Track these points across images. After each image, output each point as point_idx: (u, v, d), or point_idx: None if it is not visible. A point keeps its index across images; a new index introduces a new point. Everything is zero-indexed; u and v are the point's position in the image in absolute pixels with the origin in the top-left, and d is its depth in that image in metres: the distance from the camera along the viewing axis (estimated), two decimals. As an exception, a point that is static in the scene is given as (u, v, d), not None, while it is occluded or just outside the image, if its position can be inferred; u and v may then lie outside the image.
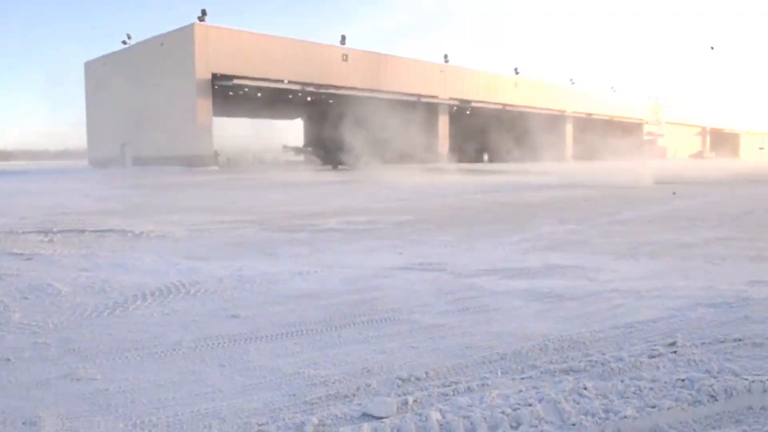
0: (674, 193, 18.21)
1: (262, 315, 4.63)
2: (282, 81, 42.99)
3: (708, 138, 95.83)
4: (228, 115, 52.74)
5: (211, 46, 40.13)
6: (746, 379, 3.22)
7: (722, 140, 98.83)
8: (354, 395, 3.14)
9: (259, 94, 44.50)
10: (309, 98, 47.54)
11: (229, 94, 43.72)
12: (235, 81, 40.49)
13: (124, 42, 46.93)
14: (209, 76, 39.94)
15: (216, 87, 40.72)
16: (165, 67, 42.00)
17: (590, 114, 68.75)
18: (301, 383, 3.30)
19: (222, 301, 5.07)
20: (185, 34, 40.34)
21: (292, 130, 62.67)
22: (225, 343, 3.99)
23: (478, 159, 56.01)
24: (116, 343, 3.96)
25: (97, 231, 9.30)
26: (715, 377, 3.27)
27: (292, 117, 59.60)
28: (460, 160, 49.66)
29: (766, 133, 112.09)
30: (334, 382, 3.31)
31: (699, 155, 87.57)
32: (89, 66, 53.33)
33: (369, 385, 3.25)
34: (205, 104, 40.34)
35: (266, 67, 41.95)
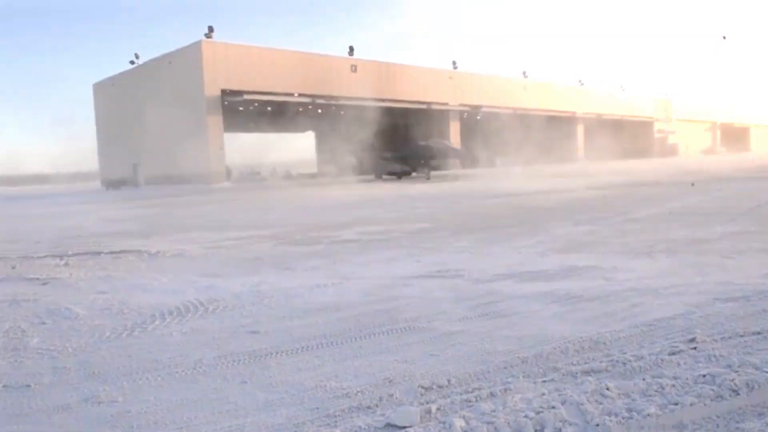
0: (693, 185, 18.45)
1: (282, 330, 4.66)
2: (292, 94, 43.25)
3: (718, 133, 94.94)
4: (238, 131, 53.10)
5: (219, 63, 40.46)
6: (767, 372, 3.20)
7: (733, 134, 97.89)
8: (377, 406, 3.15)
9: (269, 108, 44.81)
10: (319, 110, 47.73)
11: (239, 109, 44.04)
12: (245, 96, 40.78)
13: (132, 62, 47.45)
14: (218, 93, 40.26)
15: (225, 103, 41.03)
16: (174, 85, 42.39)
17: (600, 114, 68.42)
18: (323, 396, 3.32)
19: (241, 317, 5.10)
20: (193, 51, 40.72)
21: (305, 143, 63.02)
22: (246, 359, 4.01)
23: (492, 164, 55.88)
24: (136, 364, 4.00)
25: (113, 252, 9.39)
26: (736, 371, 3.25)
27: (303, 130, 59.85)
28: (473, 166, 49.55)
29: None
30: (356, 394, 3.32)
31: (710, 151, 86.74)
32: (98, 87, 53.93)
33: (391, 395, 3.26)
34: (216, 120, 40.65)
35: (275, 81, 42.20)
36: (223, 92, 40.46)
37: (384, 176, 38.48)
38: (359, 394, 3.32)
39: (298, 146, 63.02)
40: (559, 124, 61.26)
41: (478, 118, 55.10)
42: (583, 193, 18.56)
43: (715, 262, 6.61)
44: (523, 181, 26.85)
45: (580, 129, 66.63)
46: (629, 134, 71.93)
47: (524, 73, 62.34)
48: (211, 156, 40.37)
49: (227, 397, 3.38)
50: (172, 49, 43.52)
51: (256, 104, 43.45)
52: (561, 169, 37.68)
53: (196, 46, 40.47)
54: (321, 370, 3.73)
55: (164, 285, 6.63)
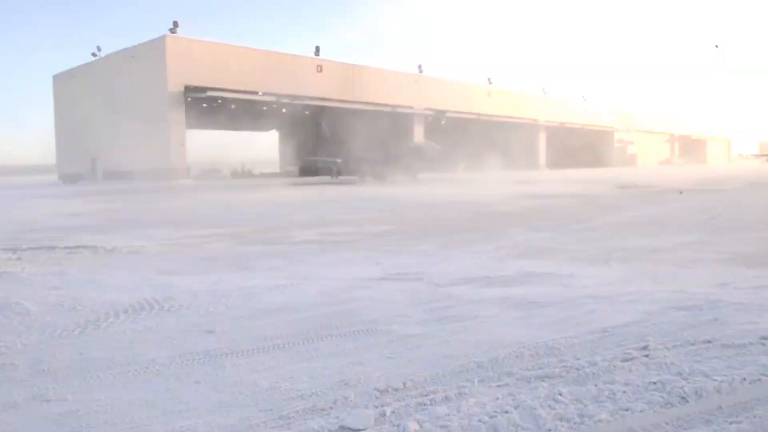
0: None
1: (238, 330, 4.60)
2: (256, 92, 42.88)
3: (677, 145, 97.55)
4: (202, 128, 52.39)
5: (183, 58, 39.90)
6: (715, 380, 3.29)
7: (690, 147, 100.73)
8: (331, 408, 3.13)
9: (232, 106, 44.34)
10: (283, 110, 47.43)
11: (202, 106, 43.45)
12: (209, 93, 40.28)
13: (94, 54, 46.45)
14: (182, 89, 39.68)
15: (189, 99, 40.45)
16: (136, 79, 41.62)
17: (562, 123, 69.65)
18: (277, 398, 3.28)
19: (197, 316, 5.02)
20: (157, 46, 40.06)
21: (267, 142, 62.53)
22: (200, 359, 3.95)
23: (454, 169, 56.27)
24: (88, 362, 3.90)
25: (68, 248, 9.15)
26: (686, 379, 3.33)
27: (267, 129, 59.39)
28: (436, 170, 49.81)
29: (731, 140, 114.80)
30: (311, 396, 3.30)
31: (668, 162, 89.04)
32: (58, 79, 52.64)
33: (346, 398, 3.24)
34: (178, 116, 40.06)
35: (240, 79, 41.79)
36: (187, 88, 39.90)
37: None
38: (314, 396, 3.30)
39: (261, 145, 62.48)
40: (521, 131, 62.11)
41: (443, 122, 55.48)
42: (544, 201, 18.83)
43: (669, 271, 6.77)
44: (485, 186, 27.11)
45: (542, 137, 67.66)
46: (590, 143, 73.39)
47: (489, 79, 63.09)
48: (172, 152, 39.75)
49: (180, 397, 3.31)
50: (135, 42, 42.77)
51: (219, 101, 42.94)
52: (523, 176, 38.14)
53: (159, 41, 39.83)
54: (276, 371, 3.69)
55: (119, 282, 6.49)
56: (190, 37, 40.94)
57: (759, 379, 3.31)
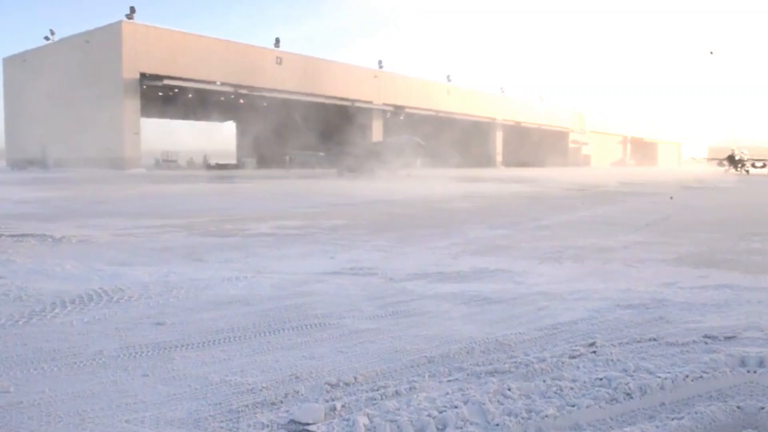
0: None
1: (189, 322, 4.53)
2: (214, 82, 42.25)
3: (629, 146, 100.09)
4: (158, 117, 51.38)
5: (140, 45, 39.01)
6: (659, 377, 3.39)
7: (642, 149, 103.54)
8: (281, 402, 3.11)
9: (189, 95, 43.57)
10: (241, 101, 46.85)
11: (158, 94, 42.58)
12: (165, 81, 39.50)
13: (46, 38, 45.01)
14: (137, 76, 38.81)
15: (144, 87, 39.57)
16: (90, 65, 40.51)
17: (519, 122, 70.65)
18: (227, 391, 3.25)
19: (147, 308, 4.92)
20: (112, 31, 39.07)
21: (225, 132, 61.70)
22: (149, 351, 3.87)
23: (411, 164, 56.50)
24: (32, 353, 3.78)
25: (14, 236, 8.86)
26: (631, 376, 3.42)
27: (224, 119, 58.59)
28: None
29: (681, 143, 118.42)
30: (261, 390, 3.27)
31: (620, 163, 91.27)
32: (8, 62, 50.84)
33: (297, 392, 3.23)
34: (132, 104, 39.17)
35: (198, 68, 41.11)
36: (142, 76, 39.05)
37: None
38: (264, 389, 3.27)
39: (218, 136, 61.61)
40: (479, 129, 62.77)
41: (401, 118, 55.64)
42: (499, 199, 19.09)
43: (618, 269, 6.94)
44: (442, 184, 27.32)
45: (499, 135, 68.49)
46: (545, 143, 74.67)
47: (448, 77, 63.53)
48: (126, 140, 38.87)
49: (127, 390, 3.24)
50: (90, 27, 41.59)
51: (176, 90, 42.13)
52: (480, 174, 38.59)
53: (115, 27, 38.86)
54: (227, 365, 3.65)
55: (67, 272, 6.31)
56: (147, 23, 40.03)
57: (701, 377, 3.43)
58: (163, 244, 8.56)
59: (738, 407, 3.04)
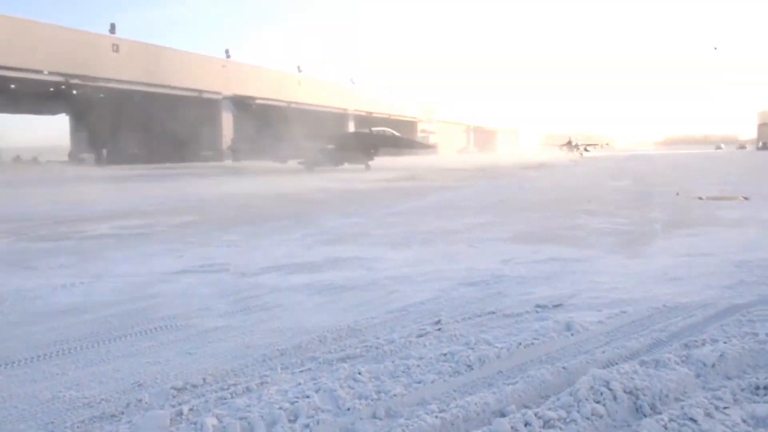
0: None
1: (16, 337, 4.13)
2: (41, 71, 38.65)
3: (472, 135, 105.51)
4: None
5: (-50, 31, 34.81)
6: (497, 347, 3.61)
7: (483, 136, 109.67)
8: (122, 413, 2.94)
9: (12, 86, 39.58)
10: (74, 91, 43.32)
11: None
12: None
13: None
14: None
15: (-45, 77, 35.45)
16: None
17: (370, 112, 71.88)
18: (60, 408, 3.01)
19: (-35, 324, 4.42)
20: None
21: (56, 127, 56.95)
22: (-33, 372, 3.49)
23: (266, 156, 55.64)
24: None
25: None
26: (472, 348, 3.61)
27: (54, 112, 53.93)
28: (246, 159, 48.83)
29: (518, 130, 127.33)
30: (99, 402, 3.06)
31: (464, 150, 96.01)
32: None
33: (140, 400, 3.06)
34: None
35: (20, 55, 37.32)
36: (-45, 65, 34.90)
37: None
38: (103, 402, 3.07)
39: (48, 131, 56.68)
40: (332, 119, 63.05)
41: (253, 108, 54.48)
42: (349, 187, 19.31)
43: (462, 250, 7.30)
44: (290, 177, 27.18)
45: (351, 125, 69.25)
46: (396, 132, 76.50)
47: (298, 68, 63.09)
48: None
49: (-61, 419, 2.90)
50: None
51: (-7, 80, 38.13)
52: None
53: None
54: (60, 379, 3.38)
55: None
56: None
57: (532, 343, 3.70)
58: (-16, 252, 7.74)
59: (563, 368, 3.31)
